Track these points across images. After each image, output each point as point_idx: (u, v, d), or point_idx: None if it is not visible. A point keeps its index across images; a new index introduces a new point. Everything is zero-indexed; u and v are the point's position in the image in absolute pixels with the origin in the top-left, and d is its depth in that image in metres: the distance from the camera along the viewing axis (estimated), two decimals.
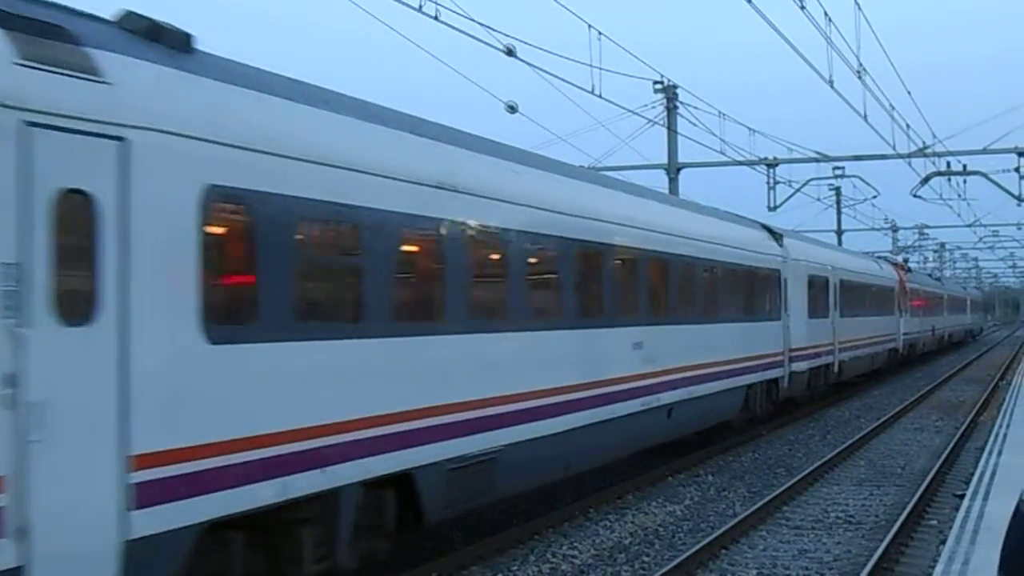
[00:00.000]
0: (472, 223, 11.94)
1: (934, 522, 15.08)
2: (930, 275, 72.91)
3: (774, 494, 16.54)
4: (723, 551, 13.38)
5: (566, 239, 13.99)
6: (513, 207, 12.83)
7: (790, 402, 26.92)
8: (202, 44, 9.14)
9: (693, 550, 12.81)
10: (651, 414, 16.61)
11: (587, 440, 14.36)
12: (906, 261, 62.15)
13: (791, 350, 25.11)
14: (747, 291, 22.20)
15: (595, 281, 15.09)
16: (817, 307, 28.34)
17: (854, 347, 33.37)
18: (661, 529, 14.78)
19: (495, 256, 12.64)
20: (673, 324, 17.69)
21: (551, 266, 13.90)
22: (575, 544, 13.71)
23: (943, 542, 12.22)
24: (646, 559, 13.12)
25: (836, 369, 30.64)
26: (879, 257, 47.55)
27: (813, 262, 28.40)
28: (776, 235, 25.50)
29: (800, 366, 25.96)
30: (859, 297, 35.13)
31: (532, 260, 13.27)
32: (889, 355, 41.93)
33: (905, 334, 45.76)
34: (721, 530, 13.98)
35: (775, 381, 24.24)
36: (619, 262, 15.81)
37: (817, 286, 28.58)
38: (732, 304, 21.04)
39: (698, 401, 18.73)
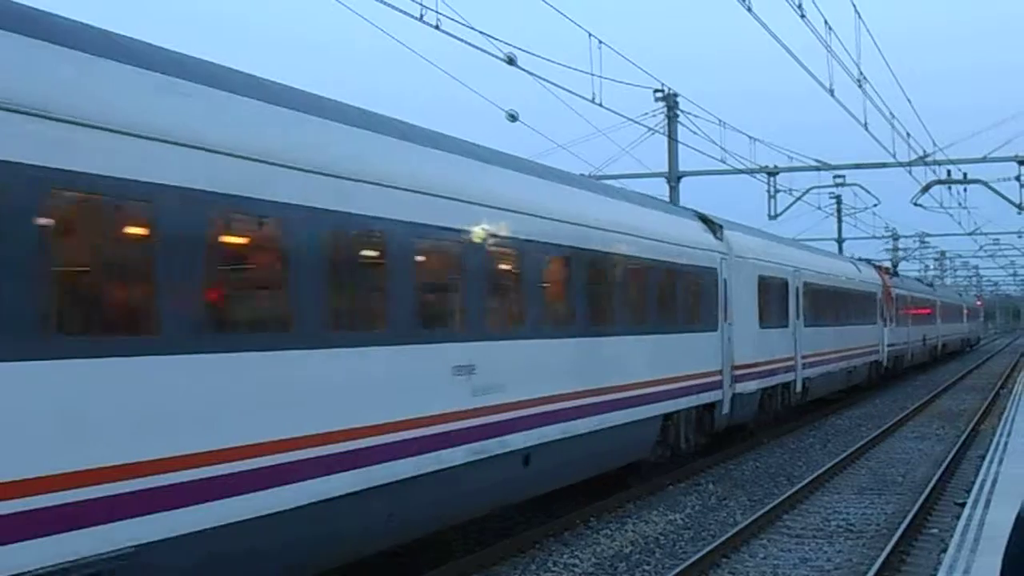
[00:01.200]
0: (71, 168, 7.18)
1: (935, 531, 15.08)
2: (921, 280, 67.22)
3: (775, 502, 16.55)
4: (724, 560, 13.38)
5: (301, 209, 9.19)
6: (176, 150, 7.98)
7: (738, 431, 22.77)
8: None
9: (694, 559, 12.81)
10: (490, 465, 12.04)
11: (340, 517, 9.55)
12: (895, 265, 59.89)
13: (735, 367, 20.96)
14: (664, 294, 17.63)
15: (366, 276, 10.39)
16: (772, 315, 24.23)
17: (823, 361, 29.39)
18: (662, 538, 14.78)
19: (119, 226, 7.80)
20: (535, 338, 13.20)
21: (271, 249, 9.23)
22: (576, 553, 13.70)
23: (944, 551, 12.22)
24: (647, 568, 13.12)
25: (799, 388, 26.71)
26: (860, 260, 44.19)
27: (766, 260, 24.09)
28: (713, 226, 21.06)
29: (747, 386, 21.77)
30: (830, 303, 30.89)
31: (224, 238, 8.59)
32: (870, 369, 38.02)
33: (890, 345, 41.52)
34: (722, 539, 13.98)
35: (710, 407, 19.88)
36: (422, 251, 11.02)
37: (773, 290, 24.49)
38: (639, 311, 16.52)
39: (577, 441, 14.20)
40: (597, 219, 15.33)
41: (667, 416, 17.70)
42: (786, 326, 25.65)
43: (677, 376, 17.87)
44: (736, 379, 21.11)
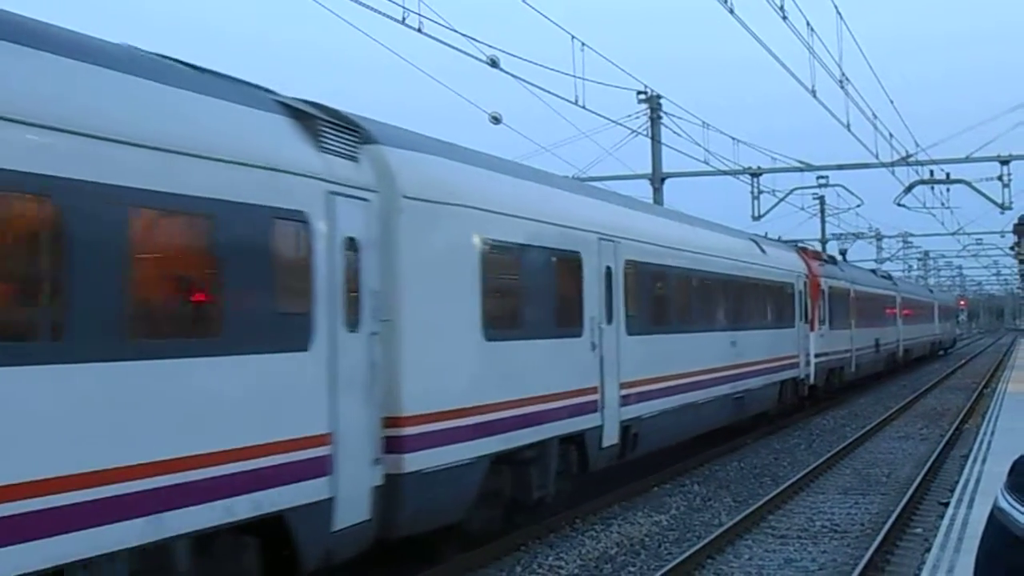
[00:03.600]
0: None
1: (919, 530, 15.13)
2: (875, 271, 52.99)
3: (760, 503, 16.57)
4: (709, 561, 13.39)
5: None
6: None
7: (420, 550, 12.28)
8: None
9: (679, 560, 12.82)
10: None
11: None
12: (844, 253, 52.41)
13: (398, 421, 10.90)
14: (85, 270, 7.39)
15: None
16: (531, 315, 13.85)
17: (675, 389, 18.48)
18: (647, 539, 14.79)
19: None
20: None
21: None
22: (561, 555, 13.69)
23: (928, 550, 12.25)
24: (632, 569, 13.12)
25: (615, 439, 15.89)
26: (775, 240, 33.49)
27: (511, 215, 13.57)
28: (323, 127, 10.32)
29: (446, 456, 11.62)
30: (695, 297, 20.37)
31: None
32: (785, 392, 27.31)
33: (821, 355, 31.26)
34: (707, 540, 13.99)
35: (281, 523, 9.23)
36: None
37: (536, 269, 14.05)
38: None
39: None
40: None
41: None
42: (578, 335, 14.97)
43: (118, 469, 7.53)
44: (403, 445, 10.94)
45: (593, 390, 15.33)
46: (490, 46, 18.92)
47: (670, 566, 12.52)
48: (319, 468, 9.59)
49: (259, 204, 9.05)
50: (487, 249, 12.77)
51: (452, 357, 12.01)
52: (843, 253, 51.86)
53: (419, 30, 16.28)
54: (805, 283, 29.84)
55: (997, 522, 3.18)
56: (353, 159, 10.61)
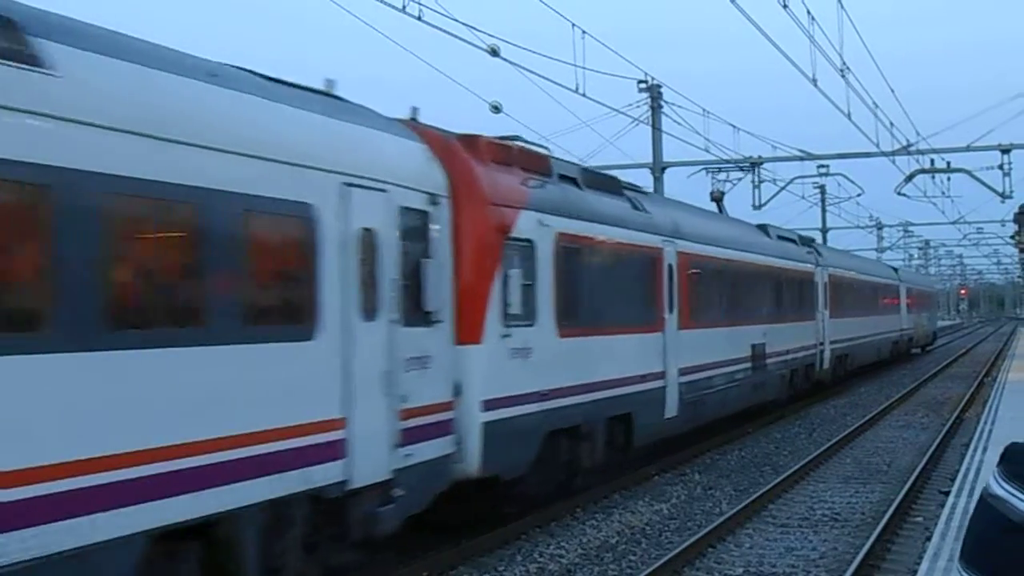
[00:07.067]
0: None
1: (920, 519, 15.13)
2: (790, 237, 31.30)
3: (760, 492, 16.58)
4: (710, 549, 13.40)
5: None
6: None
7: None
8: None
9: (680, 549, 12.84)
10: None
11: None
12: (719, 197, 32.06)
13: None
14: None
15: None
16: None
17: None
18: (648, 528, 14.80)
19: None
20: None
21: None
22: (562, 543, 13.71)
23: (928, 539, 12.26)
24: (633, 558, 13.13)
25: None
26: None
27: None
28: None
29: None
30: None
31: None
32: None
33: (501, 406, 13.02)
34: (708, 528, 14.00)
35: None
36: None
37: None
38: None
39: None
40: None
41: None
42: None
43: None
44: None
45: None
46: (490, 35, 18.89)
47: (671, 555, 12.54)
48: None
49: None
50: None
51: None
52: (719, 200, 31.99)
53: (419, 18, 16.26)
54: (429, 217, 11.78)
55: (991, 508, 3.14)
56: None
